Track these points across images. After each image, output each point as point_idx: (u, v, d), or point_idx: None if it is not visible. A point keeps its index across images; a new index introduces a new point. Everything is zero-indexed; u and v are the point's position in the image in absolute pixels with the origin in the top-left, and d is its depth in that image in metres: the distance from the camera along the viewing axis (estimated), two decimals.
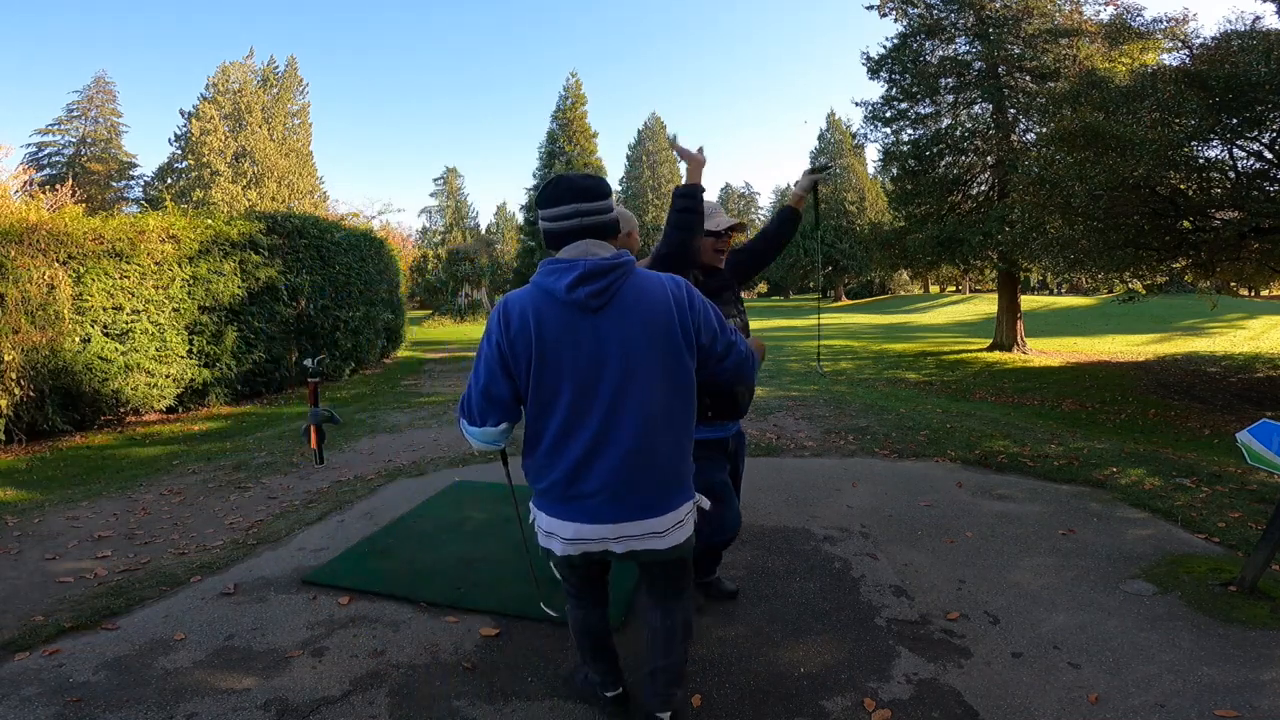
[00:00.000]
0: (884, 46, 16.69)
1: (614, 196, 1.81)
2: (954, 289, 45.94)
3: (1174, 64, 10.13)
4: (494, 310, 1.64)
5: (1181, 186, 9.59)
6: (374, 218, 33.75)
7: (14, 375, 6.63)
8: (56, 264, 7.13)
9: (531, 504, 1.79)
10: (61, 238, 7.20)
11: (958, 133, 15.60)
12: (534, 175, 41.77)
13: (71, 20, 69.65)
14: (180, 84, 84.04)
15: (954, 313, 29.51)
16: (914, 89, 16.12)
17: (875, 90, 41.66)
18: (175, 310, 8.20)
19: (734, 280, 2.56)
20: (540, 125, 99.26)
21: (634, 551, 1.69)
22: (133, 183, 45.04)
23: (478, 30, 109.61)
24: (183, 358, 8.26)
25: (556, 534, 1.69)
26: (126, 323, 7.71)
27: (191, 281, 8.41)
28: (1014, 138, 15.16)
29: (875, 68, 16.63)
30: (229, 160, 39.78)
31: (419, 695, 2.13)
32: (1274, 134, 8.84)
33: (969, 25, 15.46)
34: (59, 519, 4.15)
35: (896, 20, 16.44)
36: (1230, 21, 9.98)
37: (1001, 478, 4.35)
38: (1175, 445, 6.98)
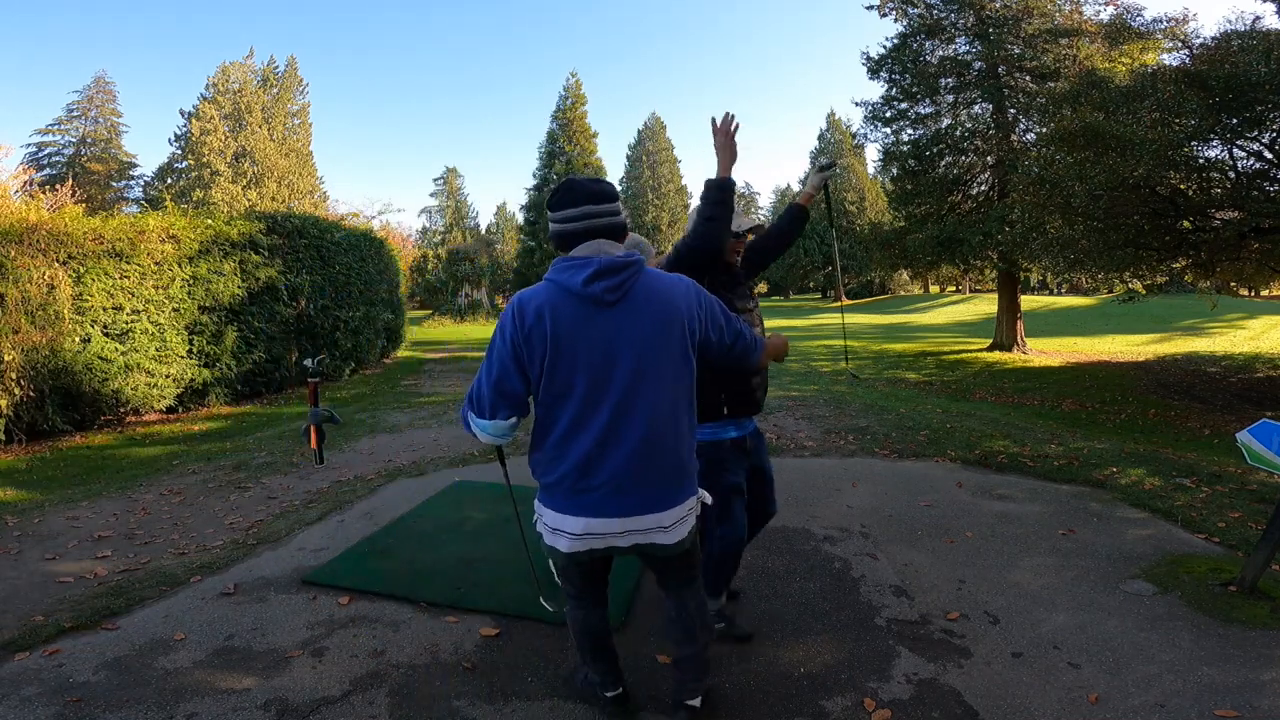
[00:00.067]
0: (884, 46, 16.69)
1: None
2: (954, 289, 45.93)
3: (1174, 64, 10.13)
4: (507, 307, 1.67)
5: (1181, 186, 9.59)
6: (374, 218, 33.83)
7: (14, 375, 6.63)
8: (56, 264, 7.13)
9: (537, 501, 1.80)
10: (61, 238, 7.20)
11: (958, 133, 15.60)
12: (534, 175, 41.73)
13: (71, 20, 69.73)
14: (180, 84, 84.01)
15: (954, 313, 29.51)
16: (914, 89, 16.11)
17: (875, 90, 41.68)
18: (175, 310, 8.20)
19: (746, 277, 2.55)
20: (540, 125, 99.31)
21: (639, 546, 1.72)
22: (133, 183, 45.07)
23: (478, 30, 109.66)
24: (183, 358, 8.26)
25: (564, 530, 1.70)
26: (126, 323, 7.71)
27: (191, 281, 8.41)
28: (1014, 138, 15.16)
29: (875, 68, 16.63)
30: (229, 160, 39.78)
31: (419, 695, 2.13)
32: (1274, 134, 8.84)
33: (969, 25, 15.46)
34: (59, 519, 4.15)
35: (896, 20, 16.45)
36: (1230, 21, 9.99)
37: (1001, 478, 4.36)
38: (1175, 445, 6.98)
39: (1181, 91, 8.49)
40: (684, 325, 1.69)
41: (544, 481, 1.74)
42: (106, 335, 7.52)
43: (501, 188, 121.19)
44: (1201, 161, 9.42)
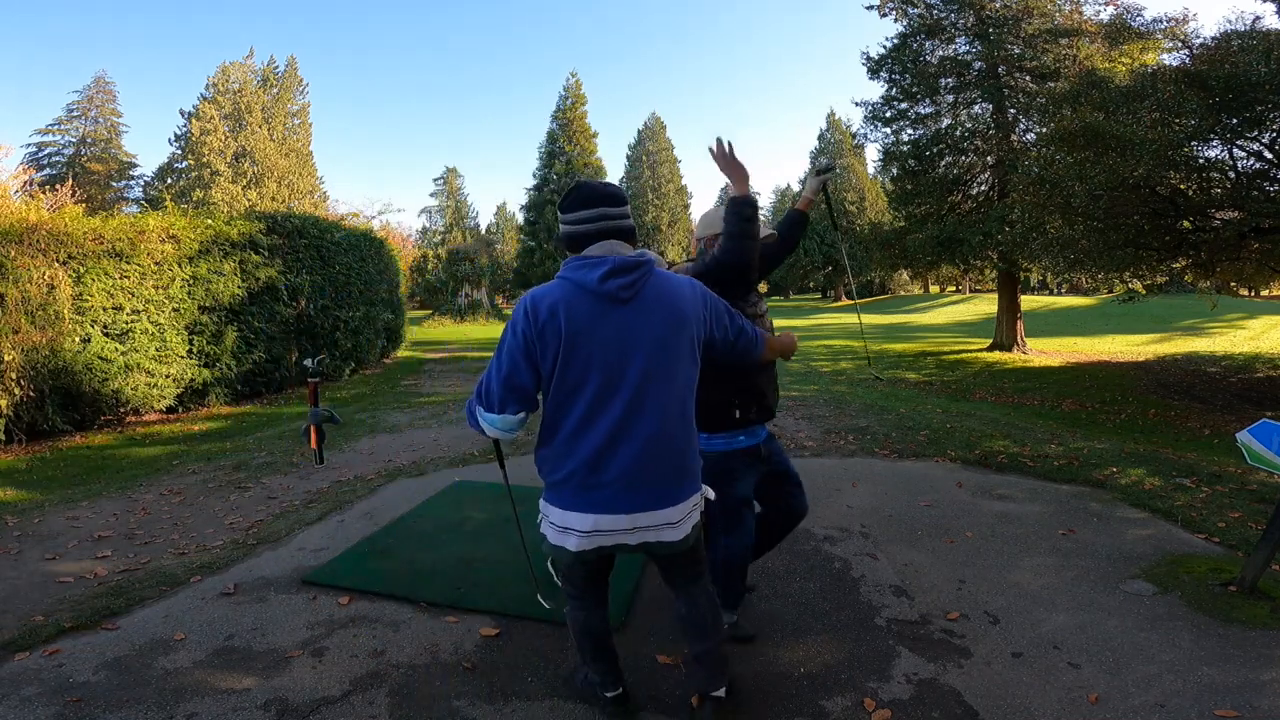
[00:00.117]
0: (884, 46, 16.69)
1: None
2: (954, 289, 45.94)
3: (1174, 64, 10.13)
4: (520, 303, 1.69)
5: (1181, 186, 9.59)
6: (374, 218, 33.78)
7: (14, 375, 6.63)
8: (56, 264, 7.13)
9: (542, 501, 1.80)
10: (61, 238, 7.21)
11: (958, 133, 15.59)
12: (534, 175, 41.78)
13: (71, 20, 69.72)
14: (180, 84, 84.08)
15: (954, 313, 29.51)
16: (914, 89, 16.11)
17: (875, 90, 41.70)
18: (175, 310, 8.20)
19: (754, 284, 2.56)
20: (540, 125, 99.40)
21: (647, 544, 1.73)
22: (133, 183, 45.06)
23: (477, 30, 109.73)
24: (183, 358, 8.27)
25: (573, 528, 1.70)
26: (126, 323, 7.71)
27: (191, 281, 8.41)
28: (1014, 138, 15.16)
29: (875, 68, 16.62)
30: (229, 160, 39.76)
31: (419, 695, 2.13)
32: (1274, 134, 8.84)
33: (969, 25, 15.45)
34: (59, 519, 4.16)
35: (896, 20, 16.44)
36: (1230, 21, 10.00)
37: (1001, 478, 4.35)
38: (1175, 445, 6.98)
39: (1181, 91, 8.49)
40: (692, 324, 1.74)
41: (551, 479, 1.74)
42: (106, 335, 7.53)
43: (501, 188, 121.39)
44: (1201, 161, 9.42)
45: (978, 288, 39.76)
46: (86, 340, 7.32)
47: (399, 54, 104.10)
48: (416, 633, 2.52)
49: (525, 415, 1.73)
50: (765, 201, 66.06)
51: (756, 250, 2.13)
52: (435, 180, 65.61)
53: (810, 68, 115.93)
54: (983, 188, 16.15)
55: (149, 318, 7.91)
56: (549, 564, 2.85)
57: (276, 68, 44.37)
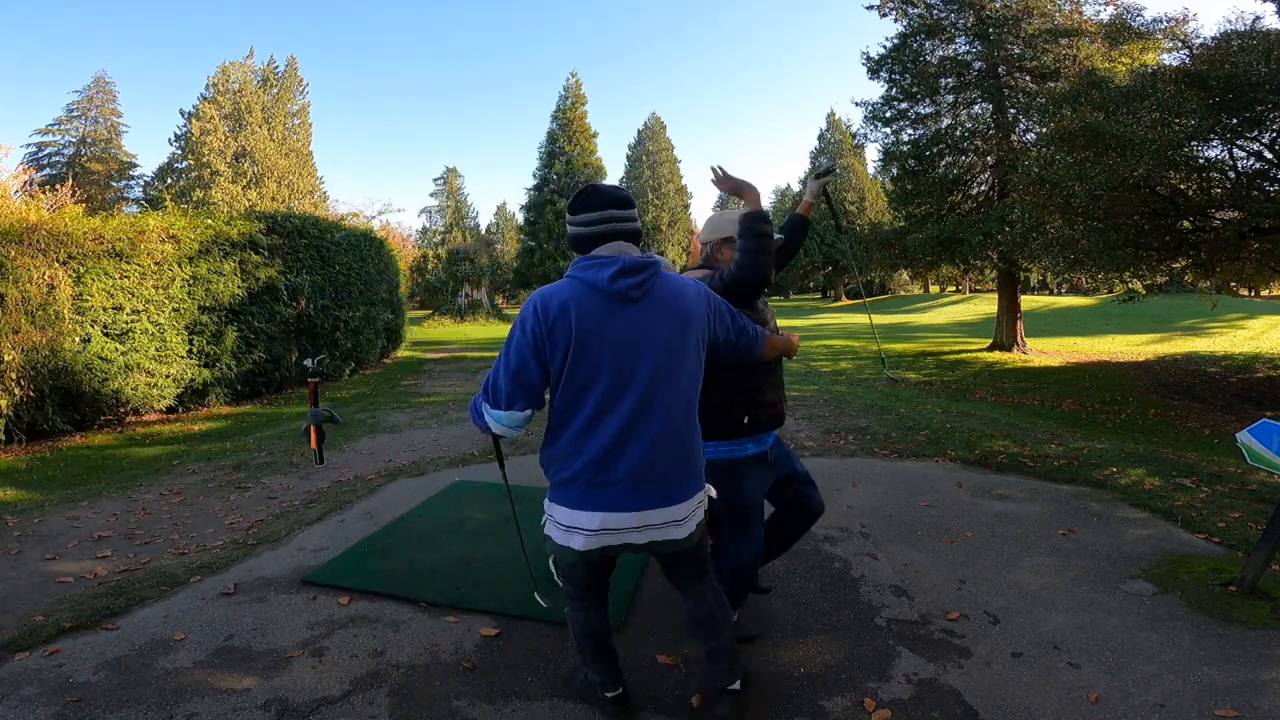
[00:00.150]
0: (884, 46, 16.69)
1: None
2: (954, 289, 45.93)
3: (1174, 64, 10.14)
4: (529, 301, 1.70)
5: (1181, 186, 9.59)
6: (374, 218, 33.79)
7: (14, 375, 6.63)
8: (56, 264, 7.13)
9: (547, 501, 1.80)
10: (61, 238, 7.20)
11: (958, 133, 15.60)
12: (534, 175, 41.76)
13: (71, 20, 69.74)
14: (180, 84, 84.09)
15: (954, 313, 29.52)
16: (914, 89, 16.11)
17: (875, 90, 41.70)
18: (175, 310, 8.20)
19: None
20: (540, 125, 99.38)
21: (654, 543, 1.75)
22: (133, 183, 45.07)
23: (477, 30, 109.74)
24: (183, 358, 8.27)
25: (580, 527, 1.71)
26: (126, 323, 7.71)
27: (191, 281, 8.41)
28: (1014, 138, 15.16)
29: (875, 68, 16.62)
30: (229, 160, 39.77)
31: (419, 695, 2.13)
32: (1274, 134, 8.84)
33: (969, 25, 15.46)
34: (59, 519, 4.16)
35: (896, 20, 16.45)
36: (1230, 21, 10.00)
37: (1001, 478, 4.36)
38: (1175, 445, 6.98)
39: (1181, 91, 8.50)
40: (697, 325, 1.78)
41: (558, 478, 1.74)
42: (106, 335, 7.53)
43: (501, 188, 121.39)
44: (1201, 161, 9.42)
45: (978, 288, 39.76)
46: (86, 340, 7.32)
47: (399, 54, 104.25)
48: (416, 633, 2.52)
49: (531, 412, 1.74)
50: (765, 202, 65.80)
51: (772, 265, 2.15)
52: (435, 180, 65.68)
53: (810, 68, 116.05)
54: (983, 188, 16.15)
55: (149, 318, 7.91)
56: (550, 563, 2.86)
57: (276, 68, 44.38)
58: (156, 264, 8.03)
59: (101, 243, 7.53)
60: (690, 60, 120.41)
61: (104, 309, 7.51)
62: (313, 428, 5.00)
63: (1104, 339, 18.43)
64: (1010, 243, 12.67)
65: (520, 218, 47.81)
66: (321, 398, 5.21)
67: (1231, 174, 9.41)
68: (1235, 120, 8.48)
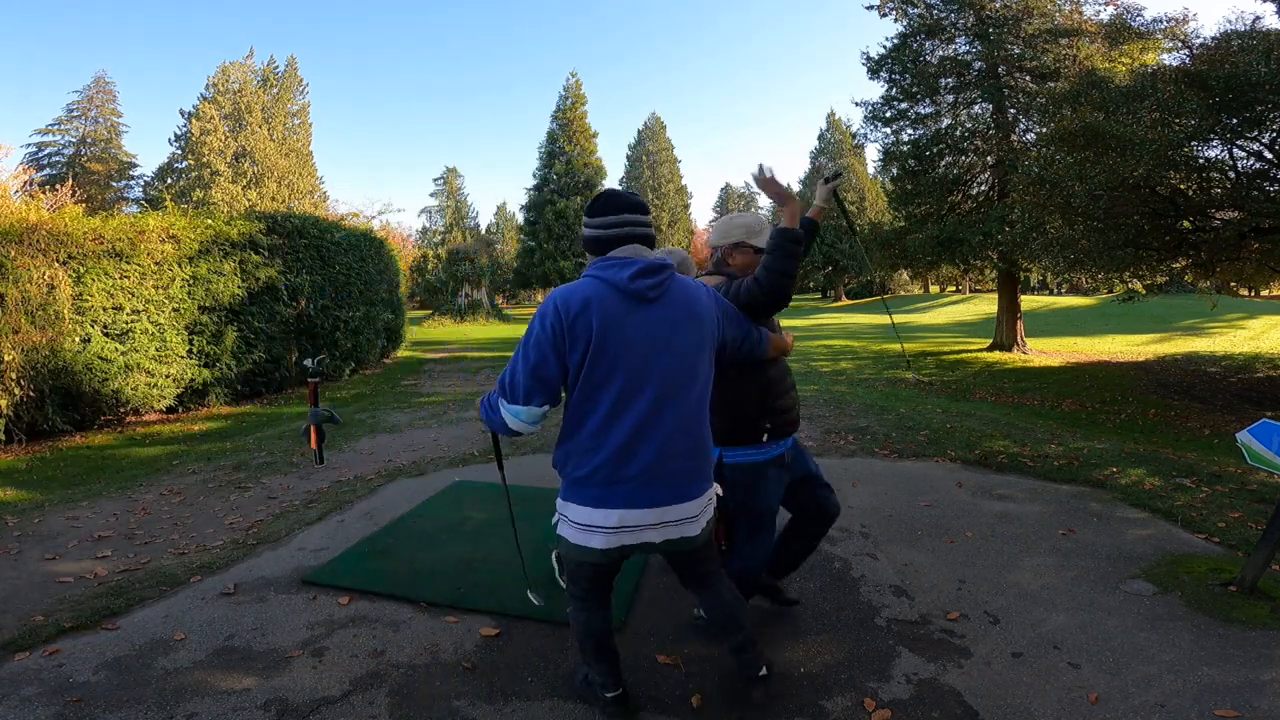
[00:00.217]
0: (884, 46, 16.69)
1: None
2: (954, 289, 45.93)
3: (1174, 64, 10.13)
4: (548, 298, 1.73)
5: (1181, 186, 9.59)
6: (374, 218, 33.81)
7: (14, 375, 6.63)
8: (56, 264, 7.13)
9: (560, 500, 1.81)
10: (61, 238, 7.21)
11: (958, 133, 15.59)
12: (534, 175, 41.76)
13: (71, 20, 69.79)
14: (180, 84, 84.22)
15: (954, 313, 29.51)
16: (914, 89, 16.11)
17: (875, 90, 41.73)
18: (175, 310, 8.20)
19: None
20: (540, 125, 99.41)
21: (670, 541, 1.78)
22: (133, 183, 45.07)
23: (478, 30, 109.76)
24: (183, 358, 8.27)
25: (599, 526, 1.72)
26: (126, 323, 7.71)
27: (191, 281, 8.41)
28: (1014, 138, 15.16)
29: (875, 68, 16.62)
30: (229, 160, 39.78)
31: (419, 695, 2.13)
32: (1274, 134, 8.84)
33: (969, 25, 15.46)
34: (59, 519, 4.16)
35: (896, 20, 16.45)
36: (1230, 21, 9.99)
37: (1001, 478, 4.36)
38: (1175, 445, 6.98)
39: (1181, 91, 8.49)
40: (710, 326, 1.84)
41: (574, 476, 1.75)
42: (106, 335, 7.53)
43: (501, 188, 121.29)
44: (1201, 161, 9.42)
45: (978, 288, 39.76)
46: (86, 340, 7.32)
47: (399, 54, 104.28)
48: (416, 633, 2.52)
49: (548, 409, 1.76)
50: (766, 201, 66.03)
51: (793, 286, 2.16)
52: (435, 180, 65.69)
53: (810, 68, 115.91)
54: (983, 188, 16.15)
55: (149, 318, 7.91)
56: (553, 562, 2.86)
57: (276, 68, 44.39)
58: (156, 264, 8.03)
59: (101, 243, 7.53)
60: (690, 60, 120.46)
61: (104, 309, 7.51)
62: (313, 428, 5.00)
63: (1104, 339, 18.43)
64: (1010, 243, 12.67)
65: (520, 218, 47.83)
66: (321, 398, 5.22)
67: (1231, 174, 9.41)
68: (1235, 120, 8.48)
